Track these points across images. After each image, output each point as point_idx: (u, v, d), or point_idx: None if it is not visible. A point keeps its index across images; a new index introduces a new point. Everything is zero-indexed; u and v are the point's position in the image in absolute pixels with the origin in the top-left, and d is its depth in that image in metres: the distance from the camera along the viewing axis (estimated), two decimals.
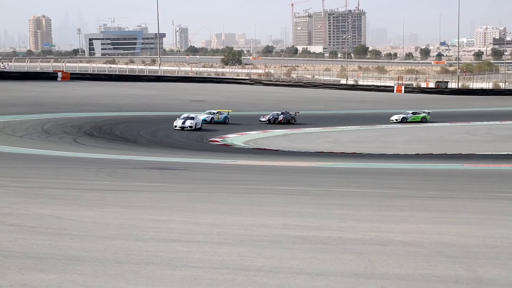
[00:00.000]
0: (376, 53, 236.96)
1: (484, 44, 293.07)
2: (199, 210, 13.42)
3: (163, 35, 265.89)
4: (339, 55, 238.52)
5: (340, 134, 47.95)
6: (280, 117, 53.55)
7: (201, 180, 20.47)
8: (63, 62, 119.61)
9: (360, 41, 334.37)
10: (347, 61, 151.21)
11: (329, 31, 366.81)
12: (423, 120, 57.12)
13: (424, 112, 58.85)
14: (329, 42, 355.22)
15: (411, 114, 57.59)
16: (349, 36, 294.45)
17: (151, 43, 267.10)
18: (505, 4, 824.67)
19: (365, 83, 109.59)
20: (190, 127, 46.86)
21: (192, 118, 47.79)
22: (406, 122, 56.24)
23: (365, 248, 9.55)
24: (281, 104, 70.25)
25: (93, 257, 8.99)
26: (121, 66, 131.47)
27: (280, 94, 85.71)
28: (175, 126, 46.82)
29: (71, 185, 17.73)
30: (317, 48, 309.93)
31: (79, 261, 8.73)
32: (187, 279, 7.92)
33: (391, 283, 7.72)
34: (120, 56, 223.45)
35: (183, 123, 46.85)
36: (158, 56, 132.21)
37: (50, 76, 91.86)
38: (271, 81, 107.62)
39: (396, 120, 56.85)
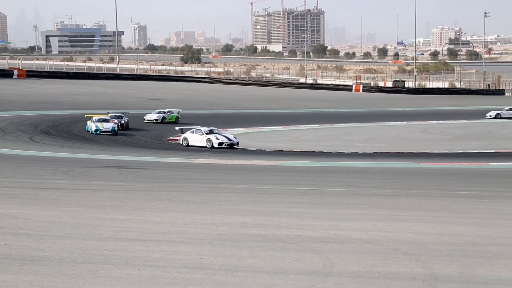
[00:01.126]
0: (335, 53, 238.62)
1: (440, 44, 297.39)
2: (158, 209, 13.35)
3: (122, 33, 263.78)
4: (298, 54, 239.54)
5: (299, 133, 48.15)
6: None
7: (160, 179, 20.36)
8: (19, 59, 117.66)
9: (319, 40, 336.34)
10: (306, 60, 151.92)
11: (288, 30, 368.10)
12: (177, 121, 50.64)
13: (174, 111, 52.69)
14: (288, 41, 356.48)
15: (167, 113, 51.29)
16: (308, 35, 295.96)
17: (109, 41, 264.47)
18: (460, 5, 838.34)
19: (324, 82, 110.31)
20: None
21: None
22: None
23: (324, 246, 9.61)
24: (240, 103, 70.30)
25: (50, 257, 8.87)
26: (79, 64, 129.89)
27: (239, 92, 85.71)
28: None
29: (27, 184, 17.49)
30: (277, 47, 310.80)
31: (35, 261, 8.61)
32: (146, 278, 7.87)
33: (349, 281, 7.79)
34: (77, 53, 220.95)
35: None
36: (116, 54, 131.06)
37: (5, 74, 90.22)
38: (230, 79, 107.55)
39: None
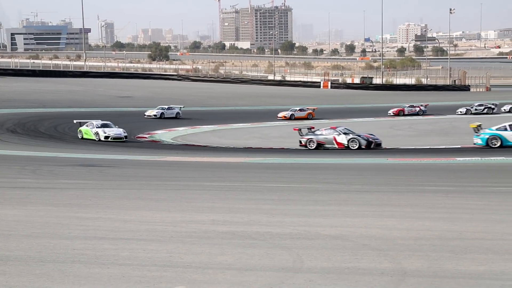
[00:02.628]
0: (303, 49, 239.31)
1: (407, 41, 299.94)
2: (126, 207, 13.28)
3: (88, 30, 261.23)
4: (266, 51, 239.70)
5: (268, 130, 48.23)
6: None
7: (128, 177, 20.25)
8: None
9: (287, 37, 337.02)
10: (274, 57, 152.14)
11: (256, 27, 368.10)
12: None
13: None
14: (257, 38, 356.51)
15: None
16: (276, 32, 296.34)
17: (76, 38, 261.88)
18: (426, 2, 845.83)
19: (292, 79, 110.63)
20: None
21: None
22: None
23: (293, 242, 9.65)
24: (209, 100, 70.17)
25: (17, 256, 8.77)
26: (45, 62, 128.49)
27: (208, 90, 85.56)
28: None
29: None
30: (245, 44, 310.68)
31: (2, 261, 8.50)
32: (115, 277, 7.82)
33: (319, 277, 7.83)
34: (43, 51, 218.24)
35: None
36: (83, 52, 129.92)
37: None
38: (199, 77, 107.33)
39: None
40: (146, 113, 53.25)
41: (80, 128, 38.70)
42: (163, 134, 43.40)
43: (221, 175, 21.17)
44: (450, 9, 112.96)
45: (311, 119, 54.63)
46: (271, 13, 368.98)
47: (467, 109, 60.50)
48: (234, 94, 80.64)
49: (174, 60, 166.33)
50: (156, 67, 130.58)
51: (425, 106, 62.01)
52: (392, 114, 59.88)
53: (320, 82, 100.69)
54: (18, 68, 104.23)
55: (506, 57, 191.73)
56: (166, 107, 54.44)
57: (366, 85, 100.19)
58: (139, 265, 8.37)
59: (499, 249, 9.21)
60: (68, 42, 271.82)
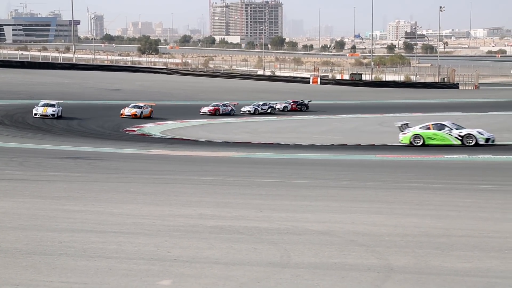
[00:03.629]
0: (293, 45, 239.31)
1: (396, 38, 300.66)
2: (114, 200, 13.25)
3: (78, 22, 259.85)
4: (256, 46, 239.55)
5: (257, 125, 48.24)
6: None
7: (116, 170, 20.20)
8: None
9: (277, 33, 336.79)
10: (264, 52, 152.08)
11: (246, 21, 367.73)
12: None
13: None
14: (247, 32, 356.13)
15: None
16: (266, 27, 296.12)
17: (65, 30, 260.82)
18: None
19: (282, 74, 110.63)
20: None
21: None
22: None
23: (281, 237, 9.66)
24: (198, 94, 70.07)
25: (4, 248, 8.74)
26: (34, 53, 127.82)
27: (197, 84, 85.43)
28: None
29: None
30: (235, 39, 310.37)
31: None
32: (102, 270, 7.81)
33: (306, 272, 7.84)
34: (32, 43, 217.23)
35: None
36: (72, 44, 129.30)
37: None
38: (188, 71, 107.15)
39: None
40: (38, 112, 45.05)
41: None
42: (152, 128, 43.32)
43: (210, 170, 21.15)
44: (440, 7, 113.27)
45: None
46: (262, 8, 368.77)
47: (255, 108, 57.18)
48: (223, 88, 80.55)
49: (163, 53, 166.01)
50: (146, 60, 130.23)
51: (235, 105, 57.72)
52: (208, 113, 54.23)
53: (309, 78, 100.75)
54: (7, 59, 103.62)
55: (495, 56, 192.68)
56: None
57: (355, 81, 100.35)
58: (126, 258, 8.36)
59: (485, 246, 9.26)
60: (57, 34, 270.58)
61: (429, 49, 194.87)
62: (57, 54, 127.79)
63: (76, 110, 49.47)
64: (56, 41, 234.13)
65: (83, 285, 7.26)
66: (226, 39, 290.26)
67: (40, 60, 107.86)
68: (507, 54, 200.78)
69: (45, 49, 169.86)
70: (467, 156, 26.55)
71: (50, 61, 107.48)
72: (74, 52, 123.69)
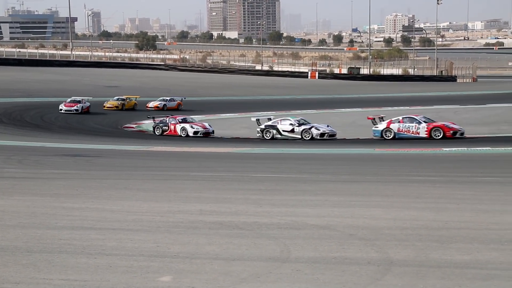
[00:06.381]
0: (291, 39, 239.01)
1: (394, 31, 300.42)
2: (114, 197, 13.26)
3: (75, 19, 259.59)
4: (254, 41, 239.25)
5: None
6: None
7: (116, 167, 20.21)
8: None
9: (275, 27, 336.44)
10: (262, 47, 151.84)
11: (244, 16, 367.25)
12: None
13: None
14: (244, 27, 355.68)
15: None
16: (264, 22, 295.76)
17: (63, 27, 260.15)
18: None
19: (280, 69, 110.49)
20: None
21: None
22: None
23: (281, 232, 9.67)
24: (196, 90, 70.01)
25: (3, 246, 8.75)
26: (31, 51, 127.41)
27: (195, 80, 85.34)
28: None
29: None
30: (232, 34, 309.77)
31: None
32: (102, 267, 7.82)
33: (306, 266, 7.86)
34: (29, 40, 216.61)
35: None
36: (70, 41, 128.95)
37: None
38: (186, 66, 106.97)
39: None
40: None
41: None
42: (151, 124, 43.23)
43: (209, 165, 21.15)
44: (438, 0, 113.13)
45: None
46: (259, 3, 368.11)
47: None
48: (221, 84, 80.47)
49: (161, 49, 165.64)
50: (143, 56, 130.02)
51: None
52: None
53: (307, 73, 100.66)
54: (4, 57, 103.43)
55: (493, 48, 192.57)
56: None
57: (353, 75, 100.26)
58: (126, 255, 8.37)
59: (484, 238, 9.28)
60: (54, 31, 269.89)
61: (427, 42, 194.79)
62: (54, 52, 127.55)
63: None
64: (54, 38, 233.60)
65: (83, 282, 7.27)
66: (223, 35, 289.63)
67: (37, 58, 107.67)
68: (504, 46, 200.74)
69: (42, 46, 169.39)
70: (465, 148, 26.56)
71: (48, 58, 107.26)
72: (71, 49, 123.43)
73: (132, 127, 41.22)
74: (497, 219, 10.81)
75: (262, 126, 34.44)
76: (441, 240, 9.12)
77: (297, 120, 34.17)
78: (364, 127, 40.86)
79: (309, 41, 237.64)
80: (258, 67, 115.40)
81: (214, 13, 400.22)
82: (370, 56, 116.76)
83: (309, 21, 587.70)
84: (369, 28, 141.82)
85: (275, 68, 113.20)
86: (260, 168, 20.29)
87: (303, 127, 33.39)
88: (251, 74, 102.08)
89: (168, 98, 52.96)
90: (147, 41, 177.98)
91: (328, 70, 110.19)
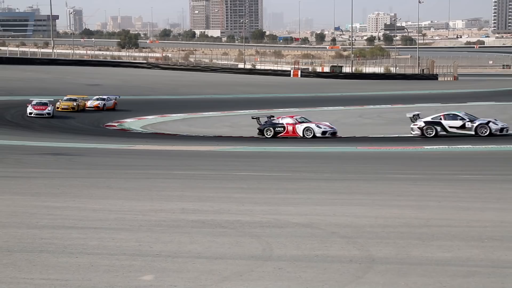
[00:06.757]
0: (273, 38, 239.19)
1: (376, 30, 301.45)
2: (95, 196, 13.20)
3: (56, 17, 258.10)
4: (236, 39, 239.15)
5: (238, 118, 48.16)
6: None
7: (97, 166, 20.12)
8: None
9: (257, 26, 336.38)
10: (245, 45, 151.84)
11: (226, 15, 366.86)
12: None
13: None
14: (227, 26, 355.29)
15: None
16: (246, 20, 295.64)
17: (44, 25, 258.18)
18: None
19: (262, 68, 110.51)
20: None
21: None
22: None
23: (263, 230, 9.68)
24: (179, 88, 69.89)
25: None
26: (12, 49, 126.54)
27: (178, 78, 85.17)
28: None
29: None
30: (215, 32, 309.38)
31: None
32: (84, 266, 7.78)
33: (288, 264, 7.87)
34: (10, 38, 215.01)
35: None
36: (51, 39, 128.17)
37: None
38: (169, 65, 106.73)
39: None
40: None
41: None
42: (133, 123, 43.13)
43: (191, 164, 21.13)
44: None
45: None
46: (242, 1, 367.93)
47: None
48: (204, 82, 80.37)
49: (143, 48, 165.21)
50: (126, 55, 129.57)
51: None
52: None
53: (290, 71, 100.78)
54: None
55: (473, 47, 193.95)
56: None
57: (335, 74, 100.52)
58: (108, 254, 8.34)
59: (465, 236, 9.34)
60: (35, 29, 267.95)
61: (409, 40, 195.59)
62: (35, 50, 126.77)
63: None
64: (35, 36, 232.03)
65: (65, 281, 7.22)
66: (206, 33, 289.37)
67: (18, 56, 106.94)
68: (485, 45, 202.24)
69: (23, 44, 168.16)
70: (446, 146, 26.73)
71: (29, 56, 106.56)
72: (53, 47, 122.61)
73: (114, 126, 41.07)
74: (477, 217, 10.89)
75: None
76: (422, 238, 9.17)
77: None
78: (346, 125, 41.01)
79: (292, 40, 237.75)
80: (241, 65, 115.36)
81: (197, 12, 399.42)
82: (352, 55, 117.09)
83: (291, 19, 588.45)
84: (351, 26, 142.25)
85: (258, 67, 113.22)
86: (242, 167, 20.29)
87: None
88: (233, 72, 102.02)
89: (105, 97, 50.60)
90: (129, 39, 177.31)
91: (310, 68, 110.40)
